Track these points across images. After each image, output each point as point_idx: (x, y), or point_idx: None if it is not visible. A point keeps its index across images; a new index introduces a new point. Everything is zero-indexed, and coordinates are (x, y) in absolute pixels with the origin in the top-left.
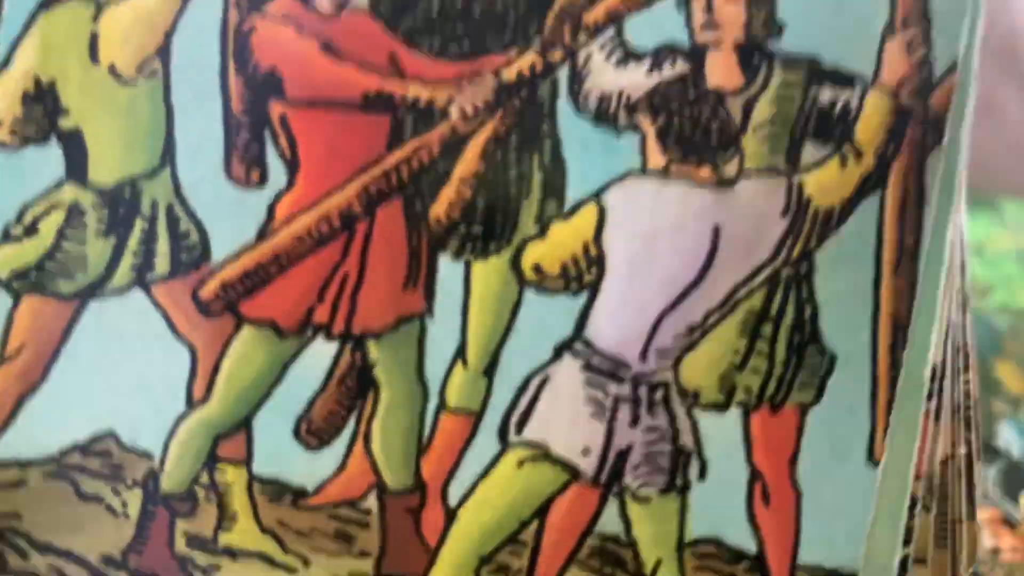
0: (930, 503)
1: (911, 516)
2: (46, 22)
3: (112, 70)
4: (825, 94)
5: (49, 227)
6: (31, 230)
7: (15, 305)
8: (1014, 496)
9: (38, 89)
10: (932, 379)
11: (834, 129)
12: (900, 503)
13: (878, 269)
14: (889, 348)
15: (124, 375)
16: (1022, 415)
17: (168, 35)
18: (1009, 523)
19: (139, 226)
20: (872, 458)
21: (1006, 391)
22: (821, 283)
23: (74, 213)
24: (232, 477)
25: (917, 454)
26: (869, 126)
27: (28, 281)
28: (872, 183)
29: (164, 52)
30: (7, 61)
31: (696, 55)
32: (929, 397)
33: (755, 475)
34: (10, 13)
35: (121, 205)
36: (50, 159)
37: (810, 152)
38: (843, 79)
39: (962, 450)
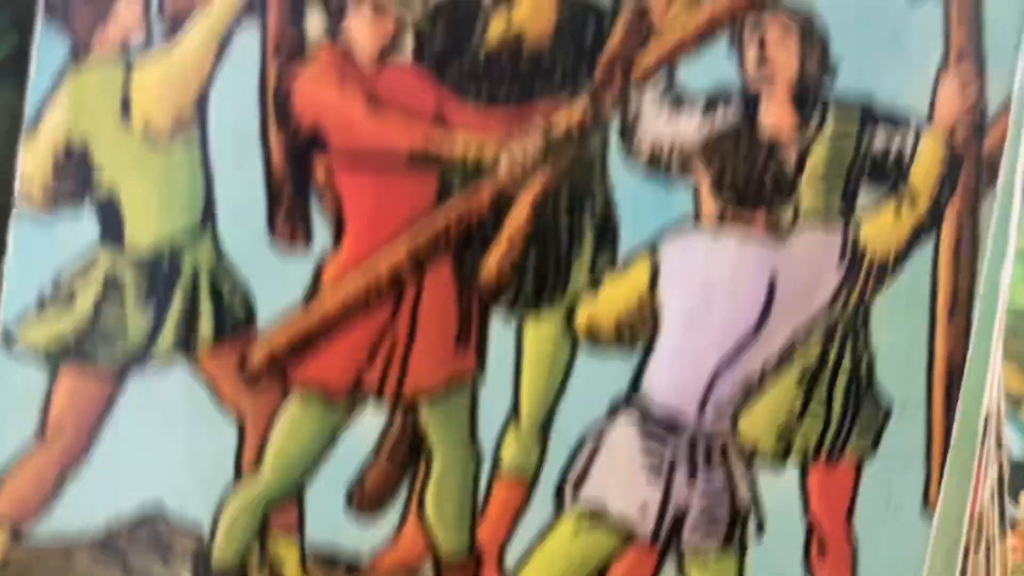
0: (978, 544)
1: (963, 561)
2: (75, 80)
3: (147, 129)
4: (879, 138)
5: (86, 296)
6: (67, 300)
7: (53, 380)
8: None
9: (70, 150)
10: (985, 425)
11: (888, 173)
12: (954, 551)
13: (933, 316)
14: (944, 396)
15: (170, 448)
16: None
17: (204, 92)
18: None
19: (180, 293)
20: (927, 507)
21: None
22: (877, 332)
23: (111, 281)
24: (285, 549)
25: (971, 500)
26: (923, 170)
27: (66, 354)
28: (926, 228)
29: (200, 110)
30: (37, 120)
31: (749, 101)
32: (982, 442)
33: (812, 529)
34: (38, 70)
35: (160, 271)
36: (84, 224)
37: (864, 197)
38: (897, 121)
39: (994, 473)
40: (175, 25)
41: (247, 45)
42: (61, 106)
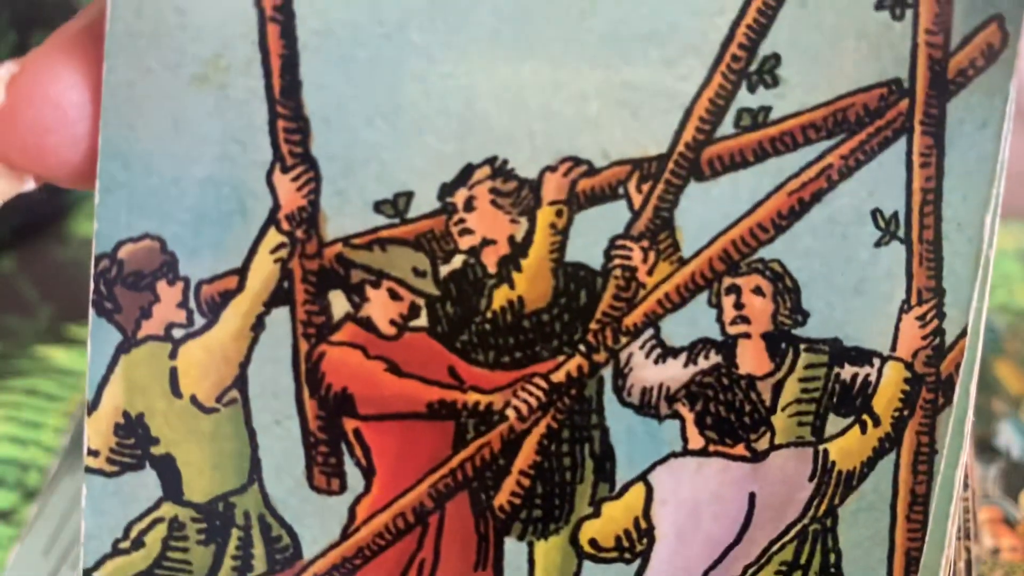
0: None
1: None
2: (127, 363)
3: (194, 401)
4: (847, 371)
5: (154, 539)
6: (138, 543)
7: None
8: (1014, 496)
9: (128, 422)
10: None
11: (855, 401)
12: None
13: (893, 515)
14: None
15: None
16: (1022, 415)
17: (243, 366)
18: (1009, 523)
19: (235, 534)
20: None
21: (1006, 391)
22: (843, 533)
23: (174, 527)
24: None
25: None
26: (886, 396)
27: None
28: (889, 443)
29: (241, 381)
30: (97, 401)
31: (728, 346)
32: None
33: None
34: (94, 358)
35: (216, 518)
36: (148, 483)
37: (833, 423)
38: (863, 356)
39: (962, 563)
40: (212, 309)
41: (279, 322)
42: (116, 385)
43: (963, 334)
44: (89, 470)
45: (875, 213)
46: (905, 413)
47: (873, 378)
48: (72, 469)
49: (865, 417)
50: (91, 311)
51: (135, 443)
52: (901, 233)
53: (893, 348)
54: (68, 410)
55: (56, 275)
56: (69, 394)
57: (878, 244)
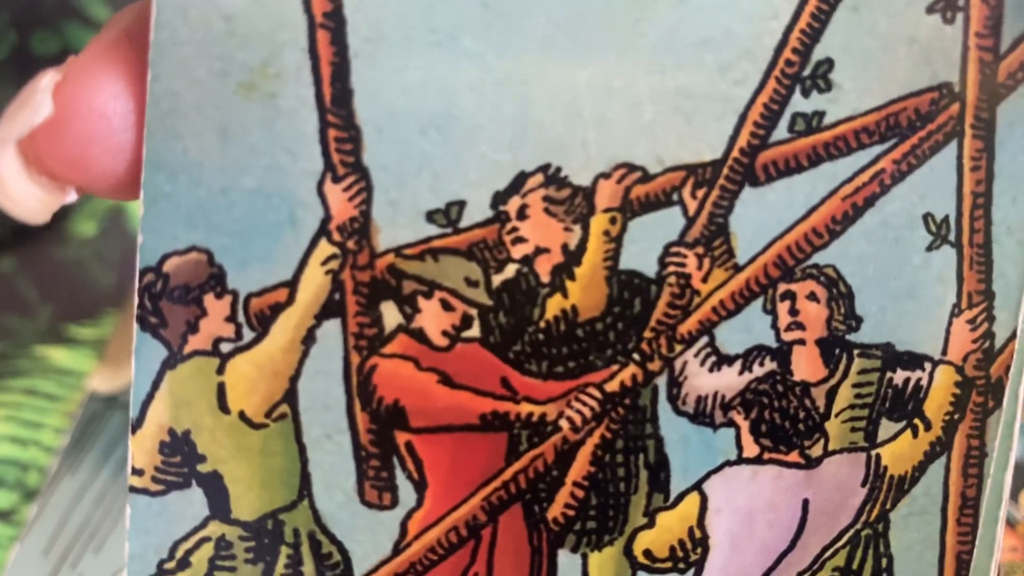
0: None
1: None
2: (173, 379)
3: (242, 416)
4: (899, 376)
5: (200, 559)
6: (184, 564)
7: None
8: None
9: (174, 440)
10: None
11: (906, 406)
12: None
13: (944, 519)
14: None
15: None
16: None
17: (293, 380)
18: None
19: (284, 552)
20: None
21: None
22: (895, 537)
23: (222, 546)
24: None
25: None
26: (937, 400)
27: None
28: (940, 447)
29: (291, 396)
30: (141, 419)
31: (783, 353)
32: None
33: None
34: (138, 374)
35: (265, 536)
36: (194, 501)
37: (885, 427)
38: (915, 360)
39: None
40: (262, 323)
41: (330, 334)
42: (161, 402)
43: (1012, 337)
44: (133, 489)
45: (926, 217)
46: (956, 417)
47: (924, 382)
48: (72, 469)
49: (916, 421)
50: (135, 326)
51: (181, 461)
52: (952, 237)
53: (944, 352)
54: (68, 410)
55: (56, 275)
56: (69, 394)
57: (929, 248)
